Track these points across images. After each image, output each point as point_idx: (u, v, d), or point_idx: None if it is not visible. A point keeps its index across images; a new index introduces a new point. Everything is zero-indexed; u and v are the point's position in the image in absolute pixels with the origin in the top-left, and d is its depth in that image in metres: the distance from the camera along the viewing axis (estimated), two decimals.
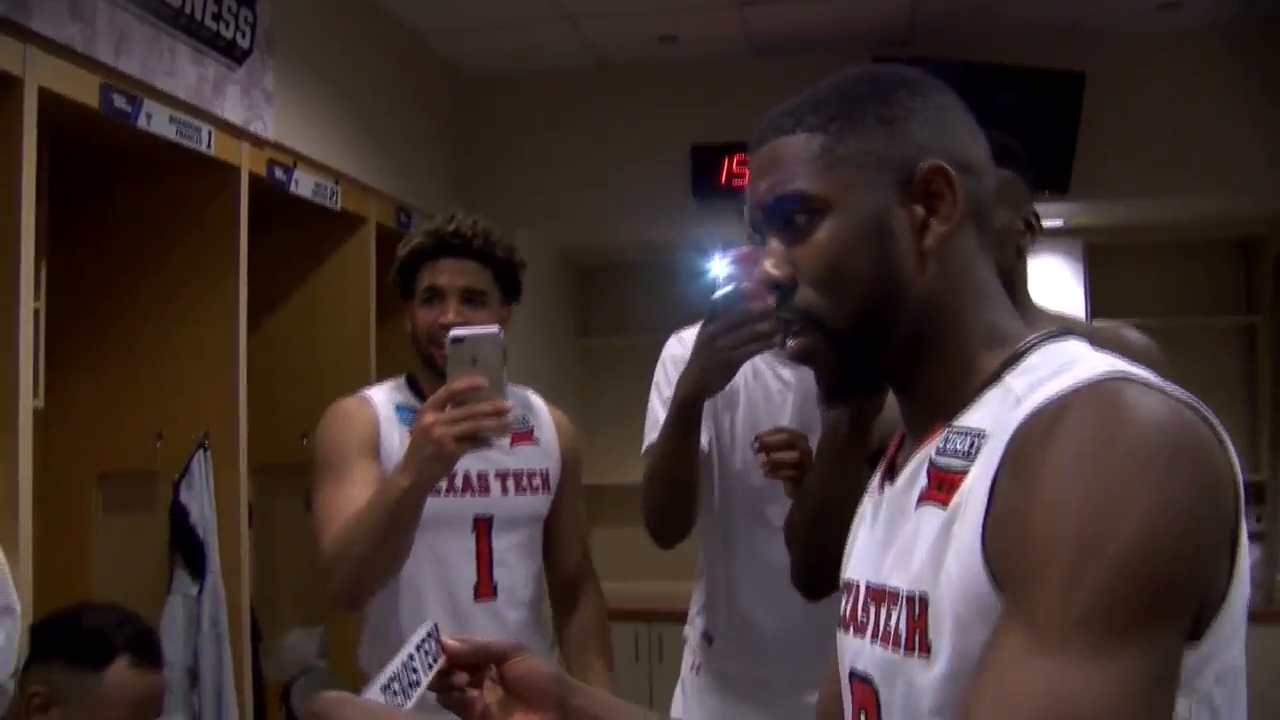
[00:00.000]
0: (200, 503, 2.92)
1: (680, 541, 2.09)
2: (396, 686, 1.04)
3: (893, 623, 0.95)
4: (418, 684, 1.07)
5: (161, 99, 2.79)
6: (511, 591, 2.23)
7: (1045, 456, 0.83)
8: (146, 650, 1.89)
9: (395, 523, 1.92)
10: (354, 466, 2.12)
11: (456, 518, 2.17)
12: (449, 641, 1.14)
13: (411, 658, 1.08)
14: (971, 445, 0.92)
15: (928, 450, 0.98)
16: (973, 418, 0.95)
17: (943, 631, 0.88)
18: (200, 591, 2.87)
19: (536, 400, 2.40)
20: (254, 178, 3.16)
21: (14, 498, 2.23)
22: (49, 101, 2.40)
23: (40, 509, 2.34)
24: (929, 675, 0.89)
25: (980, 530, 0.86)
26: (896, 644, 0.94)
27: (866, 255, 0.98)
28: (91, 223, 3.09)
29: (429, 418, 1.82)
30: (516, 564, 2.24)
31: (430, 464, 1.85)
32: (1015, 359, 0.97)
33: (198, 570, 2.88)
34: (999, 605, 0.83)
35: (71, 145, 2.79)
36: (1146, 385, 0.86)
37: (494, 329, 1.85)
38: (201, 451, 2.96)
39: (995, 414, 0.92)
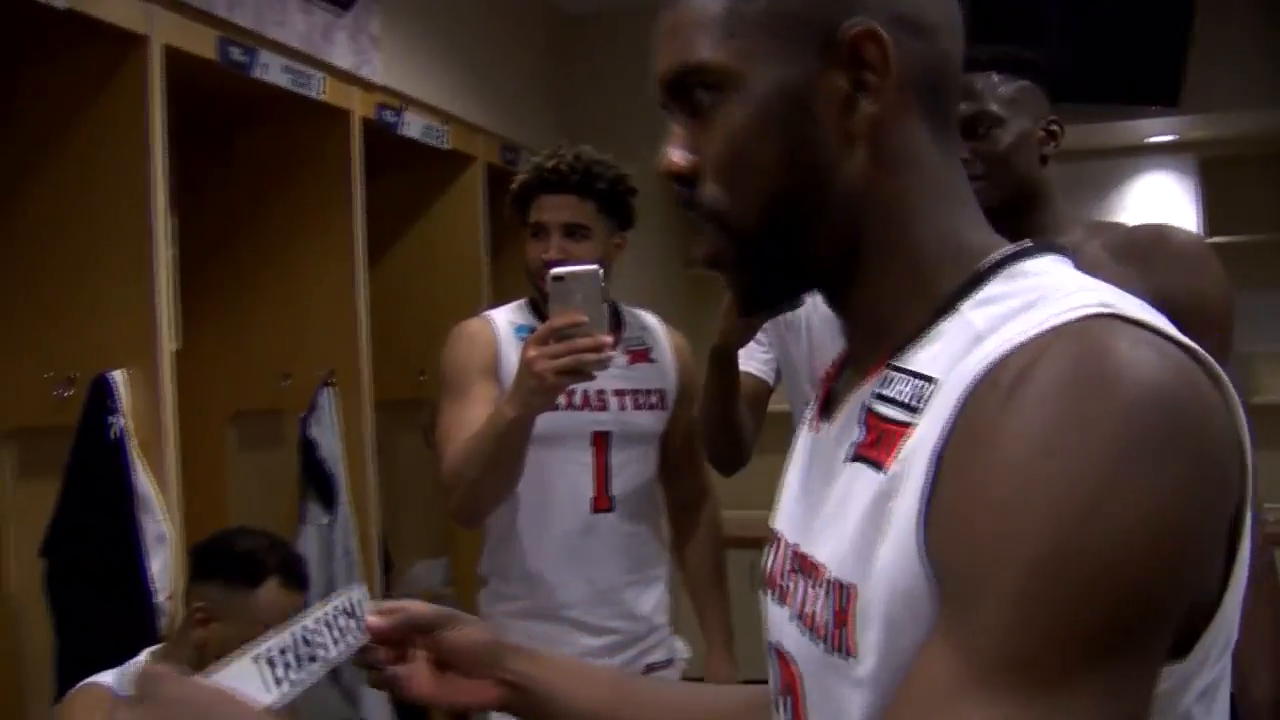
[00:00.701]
0: (328, 437, 3.05)
1: (735, 471, 2.26)
2: (280, 659, 0.93)
3: (817, 605, 0.79)
4: (315, 659, 0.97)
5: (275, 48, 2.87)
6: (627, 505, 2.32)
7: (1003, 429, 0.66)
8: (294, 572, 2.03)
9: (503, 449, 2.03)
10: (475, 386, 2.22)
11: (575, 432, 2.26)
12: (371, 618, 1.06)
13: (311, 630, 0.98)
14: (918, 394, 0.74)
15: (866, 390, 0.80)
16: (922, 356, 0.76)
17: (869, 633, 0.72)
18: (332, 522, 3.01)
19: (655, 322, 2.48)
20: (365, 121, 3.25)
21: (160, 436, 2.37)
22: (171, 57, 2.49)
23: (181, 446, 2.47)
24: (854, 686, 0.74)
25: (921, 513, 0.69)
26: (820, 634, 0.78)
27: (775, 140, 0.80)
28: (215, 171, 3.20)
29: (532, 352, 1.91)
30: (632, 478, 2.33)
31: (533, 396, 1.94)
32: (974, 283, 0.78)
33: (329, 501, 3.02)
34: (936, 610, 0.68)
35: (193, 98, 2.89)
36: (1140, 328, 0.68)
37: (593, 266, 1.93)
38: (327, 388, 3.08)
39: (951, 355, 0.73)
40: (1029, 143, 1.85)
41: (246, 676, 0.90)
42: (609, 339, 1.92)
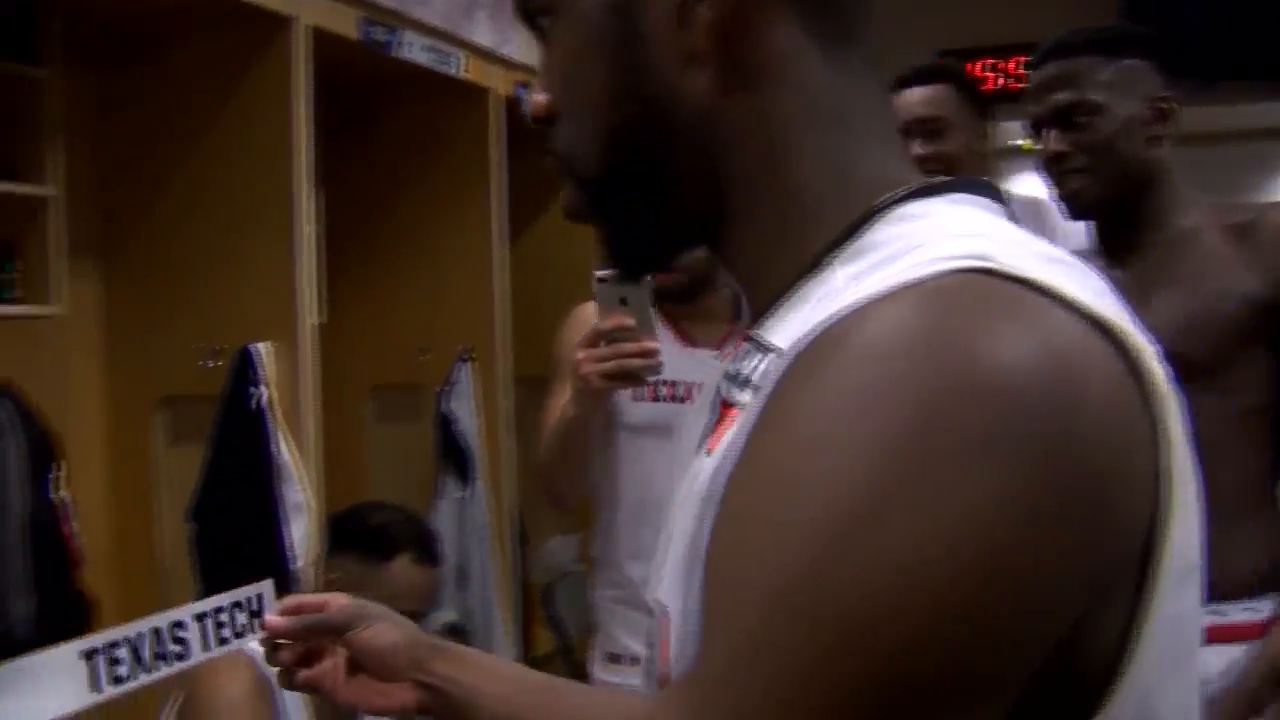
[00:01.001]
0: (465, 412, 3.10)
1: None
2: (120, 654, 0.84)
3: (651, 631, 0.67)
4: (180, 657, 0.88)
5: (416, 28, 2.92)
6: None
7: (787, 414, 0.51)
8: (426, 548, 2.05)
9: (566, 446, 2.05)
10: None
11: (665, 424, 2.23)
12: (270, 616, 1.00)
13: (177, 625, 0.89)
14: (762, 370, 0.60)
15: (724, 367, 0.67)
16: (779, 324, 0.61)
17: (682, 669, 0.59)
18: (467, 496, 3.06)
19: None
20: (505, 99, 3.27)
21: (301, 407, 2.43)
22: (315, 37, 2.55)
23: (321, 418, 2.53)
24: None
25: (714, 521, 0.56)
26: (652, 664, 0.65)
27: (602, 66, 0.65)
28: (357, 149, 3.26)
29: (579, 355, 1.86)
30: None
31: (583, 399, 1.92)
32: (857, 227, 0.60)
33: (465, 476, 3.06)
34: None
35: (335, 77, 2.95)
36: (1029, 290, 0.50)
37: None
38: (465, 363, 3.12)
39: (803, 320, 0.57)
40: (1134, 126, 1.72)
41: (62, 670, 0.81)
42: (656, 345, 1.84)
